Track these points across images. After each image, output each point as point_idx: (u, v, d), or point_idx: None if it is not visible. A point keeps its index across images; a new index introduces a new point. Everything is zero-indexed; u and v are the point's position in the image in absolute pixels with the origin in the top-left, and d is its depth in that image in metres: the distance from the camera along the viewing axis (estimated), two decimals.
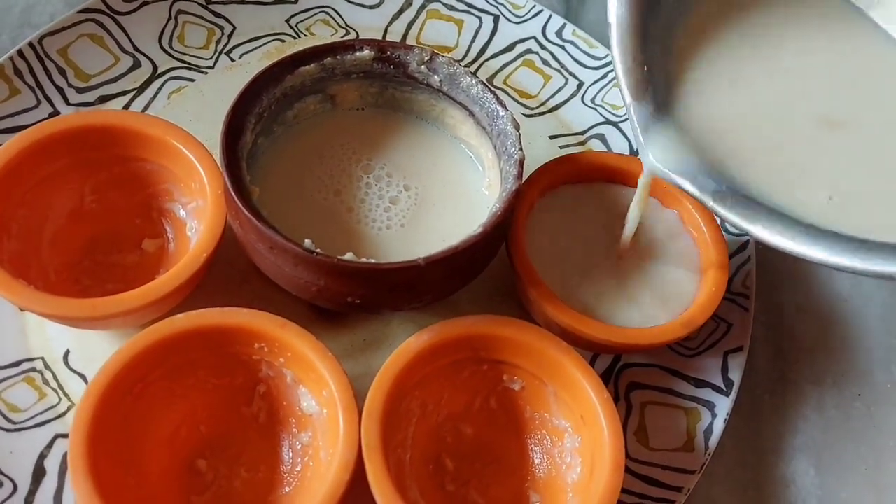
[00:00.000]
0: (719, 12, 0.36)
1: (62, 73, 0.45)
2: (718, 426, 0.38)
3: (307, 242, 0.33)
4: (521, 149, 0.36)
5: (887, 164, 0.33)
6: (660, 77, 0.34)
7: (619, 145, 0.47)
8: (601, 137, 0.47)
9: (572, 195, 0.40)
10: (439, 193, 0.39)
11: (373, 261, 0.33)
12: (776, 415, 0.41)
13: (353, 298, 0.34)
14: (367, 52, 0.39)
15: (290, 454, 0.35)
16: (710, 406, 0.39)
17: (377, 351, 0.39)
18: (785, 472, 0.40)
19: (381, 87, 0.40)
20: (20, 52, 0.44)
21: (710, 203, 0.31)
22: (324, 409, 0.34)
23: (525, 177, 0.37)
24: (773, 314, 0.44)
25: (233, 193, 0.33)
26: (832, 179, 0.33)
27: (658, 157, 0.33)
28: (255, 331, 0.34)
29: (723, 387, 0.39)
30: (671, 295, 0.37)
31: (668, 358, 0.40)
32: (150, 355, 0.33)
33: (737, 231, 0.43)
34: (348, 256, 0.33)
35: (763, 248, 0.42)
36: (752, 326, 0.41)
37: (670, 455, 0.38)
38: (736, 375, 0.40)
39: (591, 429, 0.34)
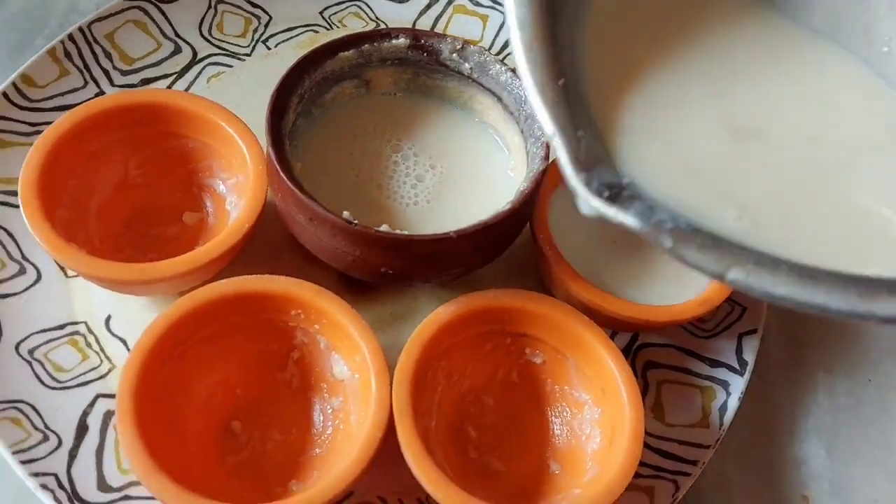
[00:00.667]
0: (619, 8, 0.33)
1: (108, 56, 0.47)
2: (733, 404, 0.40)
3: (346, 214, 0.35)
4: None
5: (801, 180, 0.30)
6: (577, 93, 0.30)
7: None
8: None
9: None
10: (466, 174, 0.41)
11: (406, 232, 0.35)
12: (789, 399, 0.43)
13: (387, 269, 0.36)
14: (402, 40, 0.41)
15: (321, 418, 0.37)
16: (724, 385, 0.40)
17: (404, 324, 0.41)
18: (797, 454, 0.41)
19: (414, 73, 0.42)
20: (70, 36, 0.46)
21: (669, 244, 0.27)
22: (356, 374, 0.36)
23: (550, 159, 0.39)
24: None
25: (277, 166, 0.35)
26: (741, 197, 0.29)
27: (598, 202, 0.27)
28: (292, 297, 0.36)
29: (737, 367, 0.41)
30: (690, 274, 0.39)
31: (684, 339, 0.42)
32: (191, 319, 0.35)
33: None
34: (384, 228, 0.35)
35: None
36: (765, 310, 0.42)
37: (686, 430, 0.39)
38: (750, 356, 0.41)
39: (612, 401, 0.36)
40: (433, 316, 0.36)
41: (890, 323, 0.26)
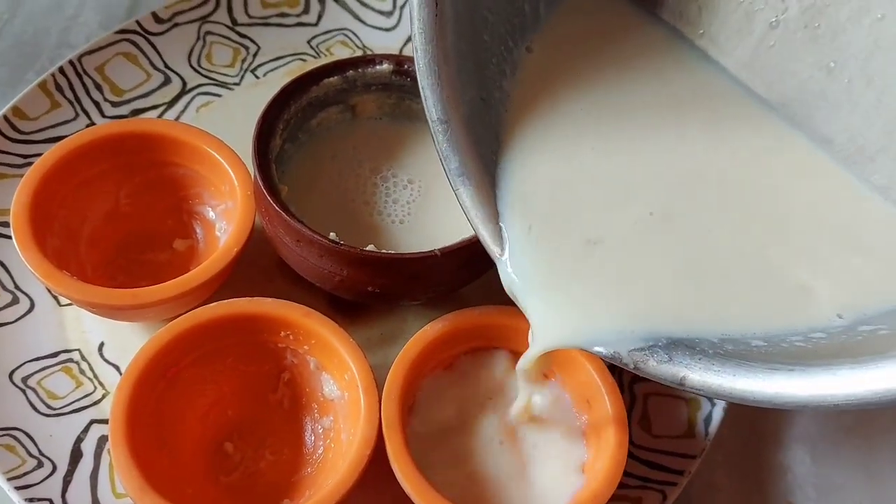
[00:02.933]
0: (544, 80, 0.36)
1: (98, 88, 0.48)
2: (717, 414, 0.40)
3: (332, 235, 0.36)
4: None
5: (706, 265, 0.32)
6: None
7: None
8: None
9: None
10: (447, 194, 0.42)
11: (392, 252, 0.36)
12: (773, 409, 0.43)
13: (374, 288, 0.36)
14: (385, 66, 0.42)
15: (313, 438, 0.38)
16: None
17: (394, 344, 0.41)
18: (782, 460, 0.42)
19: (398, 98, 0.43)
20: (61, 69, 0.47)
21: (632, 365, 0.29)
22: (345, 392, 0.36)
23: None
24: None
25: (264, 190, 0.36)
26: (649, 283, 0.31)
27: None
28: (281, 319, 0.36)
29: None
30: None
31: None
32: (183, 341, 0.36)
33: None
34: (370, 248, 0.36)
35: None
36: None
37: (672, 441, 0.40)
38: None
39: (597, 411, 0.36)
40: (421, 333, 0.37)
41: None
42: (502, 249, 0.32)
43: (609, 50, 0.38)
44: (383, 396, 0.35)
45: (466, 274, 0.38)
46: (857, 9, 0.32)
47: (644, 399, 0.41)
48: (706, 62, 0.38)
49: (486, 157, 0.33)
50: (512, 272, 0.31)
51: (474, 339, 0.38)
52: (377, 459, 0.34)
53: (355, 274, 0.36)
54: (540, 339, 0.31)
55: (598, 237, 0.32)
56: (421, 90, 0.32)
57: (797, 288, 0.31)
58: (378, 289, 0.36)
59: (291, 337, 0.37)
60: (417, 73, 0.32)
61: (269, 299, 0.37)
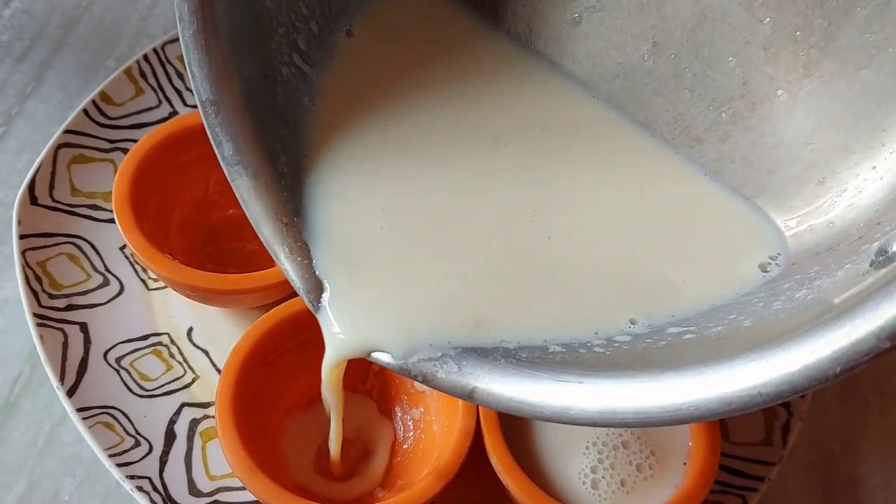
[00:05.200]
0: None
1: (180, 77, 0.48)
2: (795, 424, 0.41)
3: None
4: None
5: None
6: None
7: None
8: None
9: None
10: None
11: None
12: (843, 421, 0.44)
13: None
14: None
15: (402, 428, 0.38)
16: (786, 405, 0.42)
17: None
18: (853, 474, 0.42)
19: None
20: (145, 57, 0.48)
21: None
22: None
23: None
24: None
25: None
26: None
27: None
28: None
29: None
30: None
31: None
32: (284, 328, 0.36)
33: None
34: None
35: None
36: None
37: (750, 448, 0.40)
38: None
39: None
40: None
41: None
42: (289, 249, 0.29)
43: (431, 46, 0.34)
44: None
45: None
46: None
47: None
48: (518, 43, 0.35)
49: (271, 144, 0.30)
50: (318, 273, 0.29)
51: None
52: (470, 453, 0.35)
53: None
54: (328, 345, 0.28)
55: (394, 241, 0.29)
56: (188, 67, 0.28)
57: (605, 289, 0.29)
58: None
59: None
60: (182, 47, 0.28)
61: None
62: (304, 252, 0.29)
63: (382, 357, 0.27)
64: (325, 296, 0.28)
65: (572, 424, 0.25)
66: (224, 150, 0.29)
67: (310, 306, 0.28)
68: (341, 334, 0.28)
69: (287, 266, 0.29)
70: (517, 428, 0.36)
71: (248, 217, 0.29)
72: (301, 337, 0.37)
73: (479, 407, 0.35)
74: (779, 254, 0.30)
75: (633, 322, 0.28)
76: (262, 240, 0.29)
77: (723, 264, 0.30)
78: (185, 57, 0.28)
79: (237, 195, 0.29)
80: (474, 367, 0.26)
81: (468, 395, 0.26)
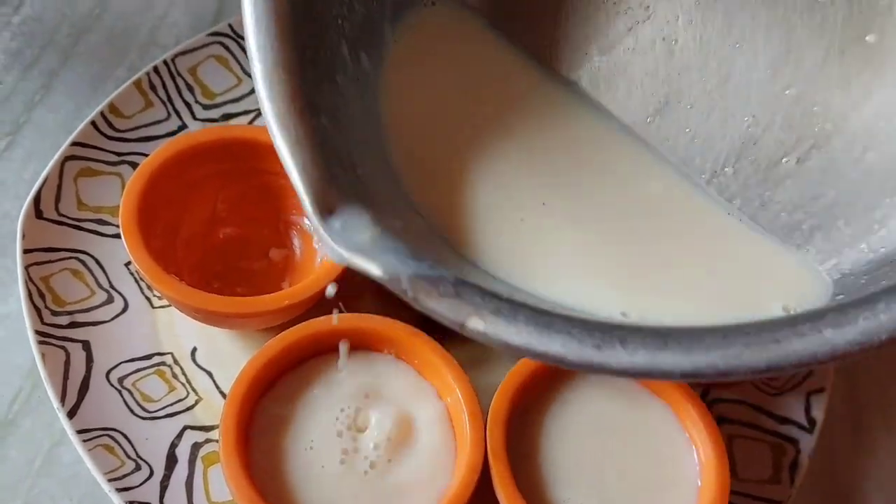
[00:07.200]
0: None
1: (190, 89, 0.48)
2: (804, 462, 0.40)
3: None
4: None
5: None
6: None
7: None
8: None
9: None
10: None
11: None
12: (851, 459, 0.43)
13: None
14: None
15: None
16: (794, 442, 0.41)
17: (499, 364, 0.40)
18: None
19: None
20: (155, 69, 0.47)
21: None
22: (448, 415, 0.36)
23: None
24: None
25: None
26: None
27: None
28: (386, 336, 0.36)
29: (806, 424, 0.42)
30: None
31: (753, 395, 0.43)
32: (290, 353, 0.36)
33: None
34: None
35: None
36: (832, 370, 0.43)
37: (757, 486, 0.40)
38: (819, 415, 0.42)
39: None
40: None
41: (623, 375, 0.26)
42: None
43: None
44: (489, 423, 0.35)
45: None
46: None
47: (729, 441, 0.41)
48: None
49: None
50: None
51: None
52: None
53: None
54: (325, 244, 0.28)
55: None
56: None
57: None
58: None
59: (394, 354, 0.37)
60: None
61: (377, 316, 0.37)
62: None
63: (371, 269, 0.27)
64: None
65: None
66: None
67: None
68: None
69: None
70: (524, 461, 0.36)
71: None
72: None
73: (487, 441, 0.34)
74: None
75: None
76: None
77: None
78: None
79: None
80: (473, 295, 0.26)
81: (460, 325, 0.26)
